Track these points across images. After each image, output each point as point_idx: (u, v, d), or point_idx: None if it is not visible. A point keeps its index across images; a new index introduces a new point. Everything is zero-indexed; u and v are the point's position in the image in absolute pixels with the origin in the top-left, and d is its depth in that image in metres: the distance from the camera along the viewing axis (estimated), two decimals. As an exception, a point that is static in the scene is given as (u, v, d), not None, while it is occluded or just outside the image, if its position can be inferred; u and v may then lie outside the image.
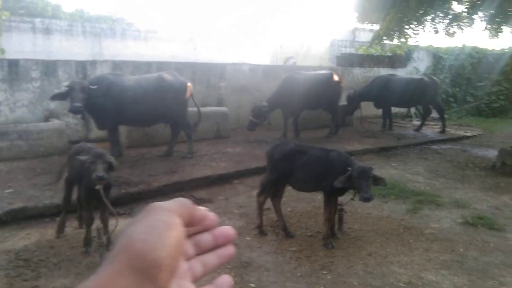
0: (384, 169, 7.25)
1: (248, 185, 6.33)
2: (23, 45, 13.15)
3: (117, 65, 9.01)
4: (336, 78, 9.46)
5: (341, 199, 4.51)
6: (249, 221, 4.84)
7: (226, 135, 9.43)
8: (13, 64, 7.92)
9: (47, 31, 13.84)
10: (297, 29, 19.31)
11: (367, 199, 3.83)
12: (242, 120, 9.90)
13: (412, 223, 4.86)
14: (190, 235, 0.55)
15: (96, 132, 8.32)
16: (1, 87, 7.81)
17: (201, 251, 0.57)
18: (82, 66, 8.61)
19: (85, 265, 3.76)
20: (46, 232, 4.53)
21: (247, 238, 4.43)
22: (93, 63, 8.83)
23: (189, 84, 7.46)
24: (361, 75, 13.34)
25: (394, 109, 12.00)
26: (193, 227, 0.55)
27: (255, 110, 8.80)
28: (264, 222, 4.65)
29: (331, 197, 4.19)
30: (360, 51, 15.15)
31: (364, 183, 3.86)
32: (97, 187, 3.58)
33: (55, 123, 7.88)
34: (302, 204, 5.46)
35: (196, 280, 0.55)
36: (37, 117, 8.21)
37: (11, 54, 10.54)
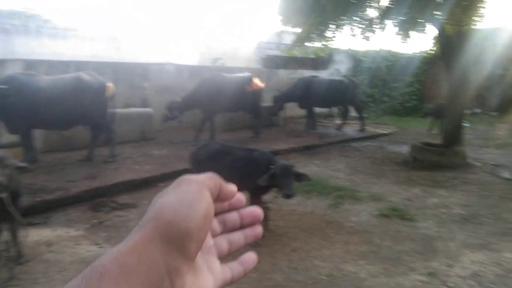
0: (308, 167, 7.51)
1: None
2: None
3: (30, 64, 8.39)
4: (256, 80, 9.46)
5: (266, 197, 4.59)
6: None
7: (151, 137, 9.19)
8: None
9: None
10: (225, 30, 19.34)
11: (289, 196, 3.95)
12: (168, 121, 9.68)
13: (333, 218, 5.09)
14: (217, 213, 0.55)
15: (7, 137, 7.66)
16: None
17: (227, 229, 0.58)
18: (-12, 64, 7.90)
19: (-8, 282, 3.45)
20: None
21: (172, 242, 4.34)
22: (2, 62, 8.14)
23: (109, 84, 7.16)
24: (286, 76, 13.71)
25: (318, 109, 12.46)
26: (221, 202, 0.55)
27: (168, 104, 9.02)
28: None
29: (256, 196, 4.25)
30: (285, 54, 15.56)
31: (286, 180, 3.97)
32: (1, 195, 3.29)
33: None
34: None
35: (221, 257, 0.55)
36: None
37: None
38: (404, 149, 9.27)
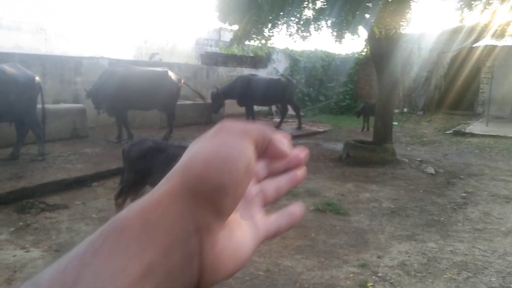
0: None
1: (108, 187, 5.99)
2: None
3: None
4: (172, 76, 9.07)
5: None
6: (109, 225, 4.57)
7: (84, 134, 8.78)
8: None
9: None
10: (163, 25, 18.88)
11: None
12: (103, 117, 9.31)
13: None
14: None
15: None
16: None
17: (273, 173, 0.49)
18: None
19: None
20: None
21: (106, 243, 4.18)
22: None
23: (37, 78, 6.73)
24: (226, 74, 13.72)
25: (257, 107, 12.62)
26: (267, 160, 0.47)
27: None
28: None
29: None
30: (224, 51, 15.56)
31: None
32: None
33: None
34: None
35: (267, 204, 0.48)
36: None
37: None
38: (339, 146, 9.65)
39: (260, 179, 0.48)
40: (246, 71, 13.94)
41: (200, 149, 0.40)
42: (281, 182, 0.49)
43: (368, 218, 5.17)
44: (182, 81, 9.31)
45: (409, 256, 4.12)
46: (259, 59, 15.74)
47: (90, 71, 9.92)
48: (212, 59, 14.34)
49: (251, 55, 15.77)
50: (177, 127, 10.53)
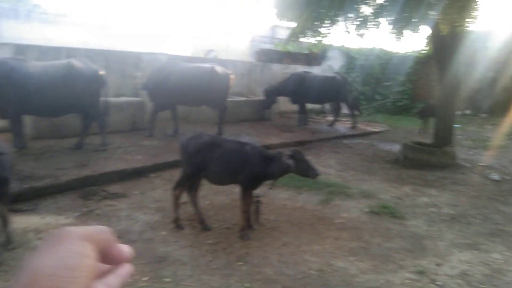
0: (300, 162, 7.53)
1: (165, 178, 6.18)
2: None
3: (20, 49, 8.24)
4: (220, 72, 8.87)
5: (258, 191, 4.58)
6: (166, 216, 4.72)
7: (143, 127, 9.10)
8: None
9: None
10: (220, 22, 19.21)
11: (319, 174, 4.16)
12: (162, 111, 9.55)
13: (324, 213, 5.10)
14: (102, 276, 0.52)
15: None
16: None
17: (101, 273, 0.52)
18: (-23, 48, 7.74)
19: (-22, 268, 3.39)
20: None
21: (162, 233, 4.32)
22: (-9, 45, 7.98)
23: (101, 72, 7.06)
24: (280, 71, 13.69)
25: (309, 105, 12.49)
26: (108, 263, 0.50)
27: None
28: (181, 216, 4.58)
29: (247, 190, 4.24)
30: (279, 48, 15.53)
31: (306, 163, 4.04)
32: None
33: None
34: (220, 197, 5.46)
35: None
36: None
37: None
38: (395, 148, 9.33)
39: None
40: (300, 69, 13.83)
41: (44, 262, 0.41)
42: (111, 280, 0.51)
43: (426, 223, 4.96)
44: (232, 77, 9.21)
45: (470, 266, 3.90)
46: (314, 57, 15.56)
47: (150, 66, 10.25)
48: (267, 56, 14.37)
49: (306, 52, 15.63)
50: (231, 124, 10.66)
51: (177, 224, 4.42)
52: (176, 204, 4.40)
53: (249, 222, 4.45)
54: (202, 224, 4.44)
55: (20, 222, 4.35)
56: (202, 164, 4.24)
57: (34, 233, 4.12)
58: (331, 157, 8.22)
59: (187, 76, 8.49)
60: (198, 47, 19.31)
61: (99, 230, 0.47)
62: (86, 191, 5.41)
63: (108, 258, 0.49)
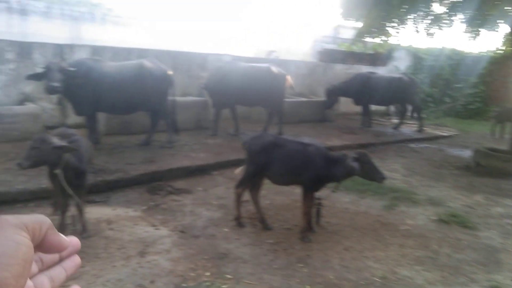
0: (362, 165, 7.34)
1: (227, 176, 6.29)
2: (-1, 26, 12.68)
3: (96, 50, 8.79)
4: (275, 72, 8.68)
5: (319, 193, 4.53)
6: (228, 213, 4.81)
7: (207, 125, 9.34)
8: (-14, 45, 7.62)
9: (23, 12, 13.39)
10: (283, 23, 19.25)
11: (385, 178, 4.05)
12: (224, 110, 9.75)
13: (388, 219, 4.93)
14: (45, 268, 0.53)
15: (73, 118, 8.08)
16: (-27, 68, 7.52)
17: (45, 266, 0.53)
18: (59, 49, 8.36)
19: (58, 253, 3.65)
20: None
21: (224, 230, 4.41)
22: (71, 46, 8.59)
23: (170, 72, 7.34)
24: (343, 71, 13.42)
25: (374, 107, 12.14)
26: (46, 252, 0.50)
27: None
28: (242, 214, 4.64)
29: (309, 191, 4.20)
30: (343, 48, 15.24)
31: (373, 166, 3.97)
32: (56, 171, 3.46)
33: (30, 107, 7.64)
34: (281, 197, 5.47)
35: None
36: (12, 101, 7.95)
37: (-16, 35, 10.15)
38: (466, 153, 8.80)
39: (33, 273, 0.50)
40: (364, 69, 13.48)
41: None
42: (56, 273, 0.52)
43: (500, 236, 4.62)
44: (288, 77, 8.95)
45: (553, 285, 3.57)
46: (379, 57, 15.09)
47: (214, 66, 10.52)
48: (330, 56, 14.16)
49: (371, 52, 15.19)
50: (291, 124, 10.64)
51: (239, 222, 4.48)
52: (238, 202, 4.47)
53: (310, 224, 4.41)
54: (263, 223, 4.47)
55: (93, 212, 4.65)
56: (265, 163, 4.27)
57: (106, 223, 4.37)
58: (396, 161, 7.93)
59: (243, 76, 8.55)
60: (260, 48, 19.48)
61: (36, 219, 0.47)
62: (153, 186, 5.65)
63: (47, 247, 0.49)
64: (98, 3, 17.50)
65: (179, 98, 9.27)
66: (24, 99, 8.04)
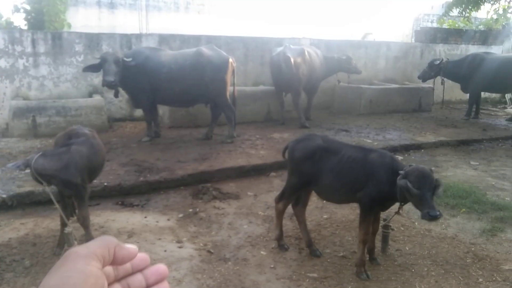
0: (460, 169, 5.87)
1: (285, 179, 5.39)
2: (89, 20, 13.21)
3: (164, 38, 8.44)
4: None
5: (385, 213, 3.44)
6: (272, 229, 3.95)
7: (277, 117, 8.49)
8: (57, 37, 7.67)
9: (111, 5, 13.79)
10: (379, 3, 17.53)
11: (434, 217, 2.74)
12: (302, 101, 8.72)
13: (486, 251, 3.61)
14: (120, 278, 0.57)
15: (141, 110, 7.80)
16: (45, 61, 7.62)
17: None
18: (127, 39, 8.16)
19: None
20: (42, 223, 4.05)
21: (261, 253, 3.56)
22: (139, 36, 8.36)
23: (231, 59, 6.62)
24: (445, 52, 11.46)
25: (485, 94, 10.13)
26: (119, 265, 0.55)
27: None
28: (289, 232, 3.75)
29: (368, 212, 3.14)
30: (445, 25, 13.13)
31: (425, 194, 2.77)
32: (46, 188, 2.92)
33: (94, 99, 7.54)
34: (344, 211, 4.42)
35: None
36: (81, 93, 7.96)
37: (77, 29, 10.50)
38: None
39: None
40: (473, 49, 11.37)
41: (50, 282, 0.47)
42: None
43: None
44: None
45: None
46: (492, 34, 12.67)
47: (291, 52, 9.57)
48: (429, 36, 12.23)
49: (481, 29, 12.85)
50: (378, 115, 9.31)
51: (280, 244, 3.60)
52: (279, 220, 3.58)
53: (372, 253, 3.35)
54: (310, 248, 3.52)
55: (120, 220, 4.13)
56: (311, 174, 3.31)
57: (127, 236, 3.81)
58: (508, 165, 6.24)
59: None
60: (353, 30, 18.04)
61: (103, 243, 0.52)
62: (199, 189, 5.00)
63: (120, 261, 0.55)
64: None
65: (248, 88, 8.57)
66: (93, 91, 8.00)
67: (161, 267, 0.60)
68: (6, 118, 7.11)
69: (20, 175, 5.02)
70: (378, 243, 3.54)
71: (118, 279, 0.57)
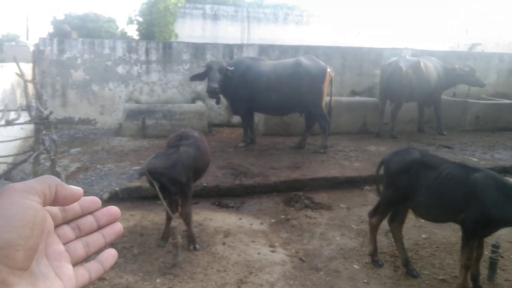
0: None
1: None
2: (194, 30, 14.12)
3: (263, 48, 8.72)
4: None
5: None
6: (365, 243, 3.86)
7: (373, 129, 8.24)
8: (167, 46, 8.32)
9: (215, 17, 14.58)
10: (490, 11, 16.20)
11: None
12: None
13: None
14: (69, 220, 0.55)
15: (238, 117, 8.13)
16: (156, 68, 8.31)
17: (83, 233, 0.56)
18: (229, 49, 8.57)
19: (159, 264, 3.41)
20: (148, 216, 4.42)
21: (354, 266, 3.50)
22: (240, 46, 8.72)
23: (329, 69, 6.61)
24: None
25: None
26: (64, 205, 0.53)
27: None
28: (383, 249, 3.64)
29: (471, 236, 2.92)
30: None
31: None
32: (157, 187, 3.19)
33: (197, 105, 8.03)
34: (444, 232, 4.16)
35: (80, 261, 0.54)
36: (185, 99, 8.53)
37: (183, 39, 11.33)
38: None
39: (69, 239, 0.55)
40: None
41: None
42: (93, 239, 0.56)
43: None
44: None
45: None
46: None
47: (391, 63, 9.27)
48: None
49: None
50: (486, 132, 8.58)
51: (374, 260, 3.50)
52: (373, 234, 3.49)
53: (476, 282, 3.11)
54: (407, 267, 3.37)
55: (217, 220, 4.35)
56: (407, 188, 3.18)
57: (223, 235, 3.99)
58: None
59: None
60: (459, 40, 16.83)
61: (43, 180, 0.50)
62: (291, 196, 5.06)
63: (62, 201, 0.51)
64: (293, 6, 17.88)
65: (344, 98, 8.48)
66: (196, 97, 8.53)
67: (113, 208, 0.58)
68: (120, 119, 7.89)
69: (130, 171, 5.54)
70: (484, 271, 3.28)
71: (67, 221, 0.55)
